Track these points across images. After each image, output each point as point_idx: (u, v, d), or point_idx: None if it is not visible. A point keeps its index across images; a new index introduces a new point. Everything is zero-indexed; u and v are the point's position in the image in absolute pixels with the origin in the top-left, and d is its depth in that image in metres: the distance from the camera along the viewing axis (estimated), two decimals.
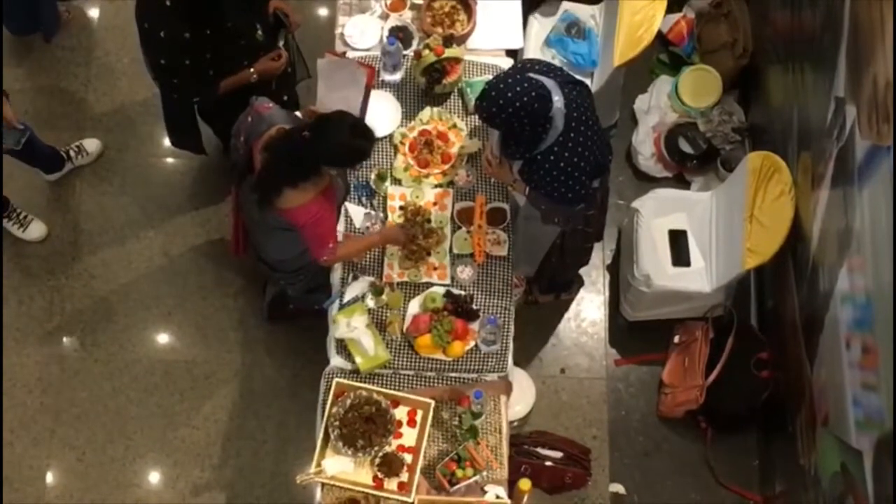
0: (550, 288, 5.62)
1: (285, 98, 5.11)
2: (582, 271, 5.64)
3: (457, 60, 4.88)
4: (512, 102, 4.02)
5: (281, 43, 4.95)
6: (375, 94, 4.95)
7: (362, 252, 4.70)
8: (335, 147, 4.16)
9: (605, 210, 5.04)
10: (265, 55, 4.81)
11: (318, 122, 4.22)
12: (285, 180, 4.21)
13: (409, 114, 4.97)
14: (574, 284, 5.71)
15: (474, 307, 4.64)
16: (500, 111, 4.05)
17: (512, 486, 4.53)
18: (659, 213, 5.34)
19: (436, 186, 4.84)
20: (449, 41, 4.84)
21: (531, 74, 4.15)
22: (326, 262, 4.53)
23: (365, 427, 4.35)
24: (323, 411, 4.46)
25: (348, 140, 4.17)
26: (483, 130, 4.92)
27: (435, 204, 4.81)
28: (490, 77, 4.93)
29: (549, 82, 4.17)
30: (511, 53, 5.20)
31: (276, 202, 4.25)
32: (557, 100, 4.16)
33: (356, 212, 4.79)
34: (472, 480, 4.35)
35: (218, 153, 5.63)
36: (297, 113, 4.66)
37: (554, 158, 4.23)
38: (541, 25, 5.62)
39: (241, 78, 4.77)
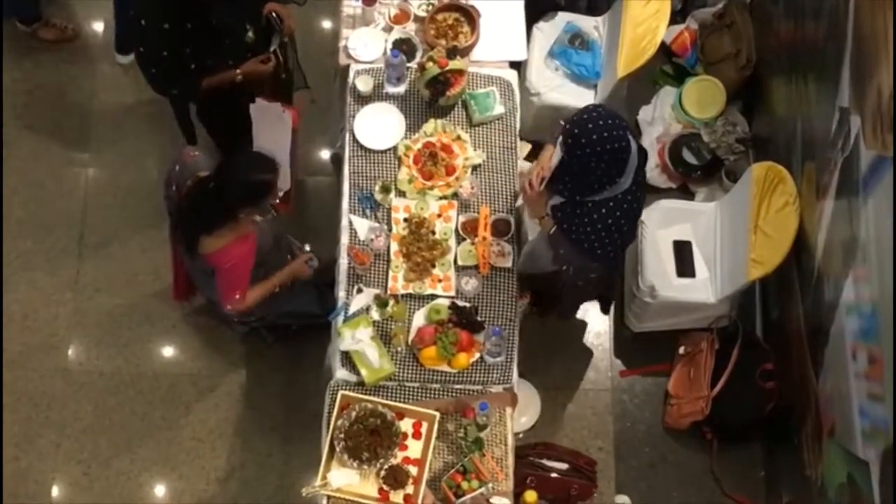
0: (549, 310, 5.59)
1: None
2: None
3: (460, 72, 4.89)
4: (603, 142, 3.90)
5: (273, 47, 4.93)
6: (380, 107, 4.97)
7: (272, 290, 4.70)
8: (237, 187, 4.22)
9: (616, 283, 4.91)
10: (253, 57, 4.80)
11: (220, 165, 4.32)
12: (200, 228, 4.29)
13: (413, 126, 4.97)
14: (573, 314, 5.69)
15: (479, 319, 4.64)
16: (588, 144, 3.90)
17: (517, 497, 4.54)
18: (663, 223, 5.35)
19: (440, 198, 4.85)
20: (452, 53, 4.85)
21: (623, 126, 3.99)
22: (231, 309, 4.57)
23: (370, 439, 4.35)
24: (328, 424, 4.46)
25: (248, 176, 4.23)
26: (497, 138, 4.94)
27: (439, 216, 4.81)
28: (494, 89, 4.97)
29: (631, 140, 4.05)
30: (515, 65, 5.21)
31: (198, 248, 4.34)
32: (632, 160, 4.07)
33: (361, 224, 4.79)
34: (477, 492, 4.34)
35: None
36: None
37: (605, 212, 4.14)
38: (544, 37, 5.62)
39: (224, 77, 4.75)
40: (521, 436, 5.33)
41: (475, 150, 4.92)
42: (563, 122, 4.09)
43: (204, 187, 4.30)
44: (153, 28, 4.47)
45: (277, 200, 4.56)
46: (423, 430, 4.48)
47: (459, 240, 4.79)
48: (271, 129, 4.69)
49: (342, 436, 4.35)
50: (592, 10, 5.76)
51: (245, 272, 4.46)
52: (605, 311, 5.35)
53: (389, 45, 5.07)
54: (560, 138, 4.04)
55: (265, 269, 4.69)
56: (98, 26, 6.35)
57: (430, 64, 4.82)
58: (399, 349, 4.62)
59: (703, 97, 5.84)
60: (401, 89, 5.02)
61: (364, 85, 4.98)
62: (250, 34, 4.76)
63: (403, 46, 5.05)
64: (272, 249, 4.71)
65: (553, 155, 4.15)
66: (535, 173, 4.34)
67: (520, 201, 4.79)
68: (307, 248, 4.91)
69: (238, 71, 4.76)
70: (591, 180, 4.06)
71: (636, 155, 4.11)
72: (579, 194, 4.16)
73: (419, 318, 4.66)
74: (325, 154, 5.97)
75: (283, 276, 4.73)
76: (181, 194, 4.46)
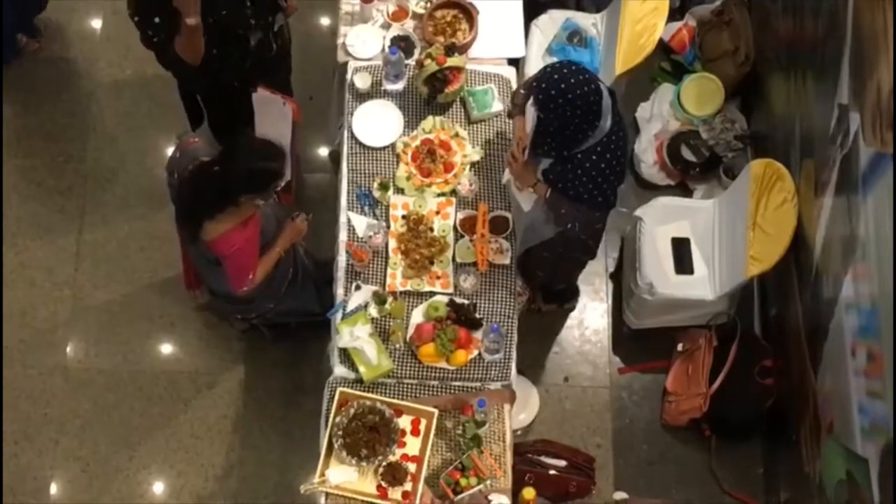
0: (552, 297, 5.61)
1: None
2: (585, 280, 5.62)
3: (459, 69, 4.88)
4: (573, 90, 3.94)
5: (277, 25, 4.88)
6: (378, 104, 4.97)
7: (275, 260, 4.63)
8: (243, 173, 4.17)
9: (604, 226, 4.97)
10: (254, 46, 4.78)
11: (225, 150, 4.26)
12: (202, 213, 4.24)
13: (411, 123, 4.97)
14: (577, 294, 5.70)
15: (477, 316, 4.64)
16: (559, 95, 3.95)
17: (516, 495, 4.53)
18: (662, 221, 5.34)
19: (438, 195, 4.84)
20: (451, 50, 4.84)
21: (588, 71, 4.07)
22: (244, 292, 4.52)
23: (368, 436, 4.35)
24: (326, 421, 4.46)
25: (255, 164, 4.18)
26: (495, 135, 4.93)
27: (437, 213, 4.81)
28: (492, 86, 4.97)
29: (600, 83, 4.11)
30: (513, 62, 5.21)
31: (199, 235, 4.29)
32: (606, 100, 4.11)
33: (359, 221, 4.79)
34: (476, 489, 4.34)
35: None
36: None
37: (596, 158, 4.17)
38: (542, 34, 5.62)
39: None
40: (519, 433, 5.34)
41: (473, 147, 4.92)
42: (523, 90, 4.23)
43: (206, 171, 4.26)
44: None
45: (279, 188, 4.56)
46: (422, 427, 4.48)
47: (458, 237, 4.79)
48: (272, 120, 4.69)
49: (340, 433, 4.35)
50: (582, 8, 5.76)
51: (252, 255, 4.42)
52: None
53: (388, 42, 5.06)
54: (531, 101, 4.12)
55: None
56: (96, 24, 6.34)
57: (429, 61, 4.81)
58: (397, 346, 4.62)
59: (701, 94, 5.83)
60: (399, 86, 5.01)
61: (362, 82, 4.98)
62: (251, 41, 4.73)
63: (402, 43, 5.05)
64: (277, 233, 4.68)
65: (526, 122, 4.24)
66: (515, 144, 4.40)
67: (505, 178, 4.76)
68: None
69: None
70: (572, 132, 4.10)
71: (608, 96, 4.14)
72: (566, 149, 4.20)
73: (417, 315, 4.66)
74: (324, 151, 5.97)
75: (283, 243, 4.64)
76: (181, 180, 4.44)
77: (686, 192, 5.88)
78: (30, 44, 6.16)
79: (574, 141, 4.15)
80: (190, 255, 4.78)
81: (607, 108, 4.12)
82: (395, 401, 4.47)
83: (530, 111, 4.18)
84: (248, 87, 4.94)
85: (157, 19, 4.45)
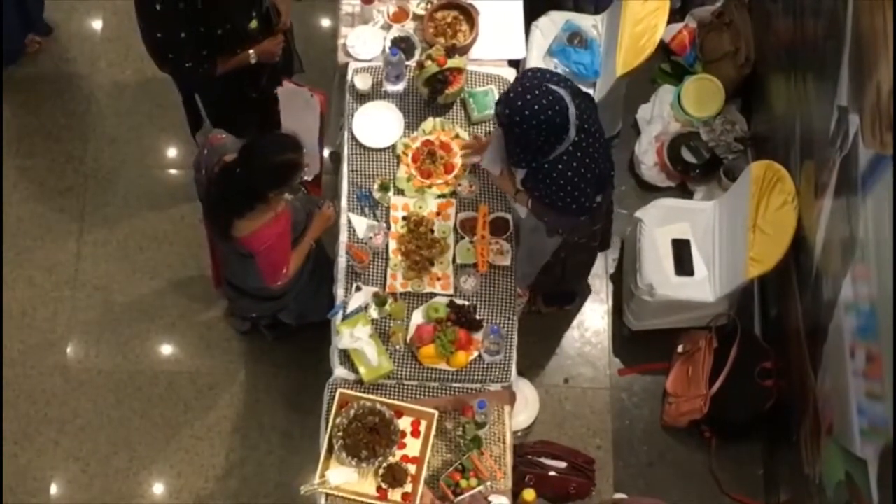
0: (553, 300, 5.61)
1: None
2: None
3: (459, 71, 4.88)
4: (536, 115, 4.02)
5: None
6: (378, 105, 4.97)
7: (307, 251, 4.65)
8: (264, 169, 4.17)
9: (611, 222, 5.02)
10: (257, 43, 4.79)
11: (242, 152, 4.25)
12: (231, 212, 4.24)
13: (411, 124, 4.97)
14: (578, 297, 5.70)
15: (478, 317, 4.64)
16: (522, 121, 4.04)
17: (516, 496, 4.53)
18: (662, 222, 5.34)
19: (439, 196, 4.85)
20: (451, 51, 4.85)
21: (550, 85, 4.14)
22: (279, 286, 4.55)
23: (369, 437, 4.35)
24: (327, 422, 4.47)
25: (274, 159, 4.18)
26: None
27: (438, 214, 4.81)
28: (493, 87, 4.97)
29: (563, 92, 4.16)
30: (513, 63, 5.21)
31: (231, 233, 4.29)
32: (571, 111, 4.15)
33: (359, 222, 4.79)
34: (476, 491, 4.34)
35: None
36: None
37: (562, 167, 4.21)
38: (543, 35, 5.62)
39: (239, 59, 4.73)
40: (519, 434, 5.33)
41: None
42: (495, 107, 4.28)
43: (231, 172, 4.25)
44: (168, 8, 4.39)
45: (308, 179, 4.52)
46: (422, 428, 4.48)
47: (458, 238, 4.79)
48: (298, 113, 4.68)
49: (341, 434, 4.35)
50: (580, 9, 5.77)
51: (285, 250, 4.42)
52: (603, 248, 5.35)
53: (388, 44, 5.06)
54: (496, 118, 4.22)
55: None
56: (97, 24, 6.34)
57: (429, 62, 4.81)
58: (398, 347, 4.63)
59: (701, 96, 5.83)
60: (399, 87, 5.02)
61: (363, 83, 4.98)
62: (254, 24, 4.73)
63: (402, 44, 5.05)
64: (307, 225, 4.67)
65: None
66: (483, 160, 4.60)
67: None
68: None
69: (252, 52, 4.72)
70: (538, 146, 4.17)
71: (572, 104, 4.18)
72: (535, 161, 4.25)
73: (418, 317, 4.66)
74: (324, 152, 5.97)
75: (312, 233, 4.65)
76: (209, 179, 4.44)
77: (686, 193, 5.88)
78: (31, 43, 6.15)
79: (542, 153, 4.21)
80: (219, 252, 4.76)
81: (573, 118, 4.16)
82: (395, 402, 4.48)
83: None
84: (263, 93, 4.95)
85: (182, 34, 4.47)
